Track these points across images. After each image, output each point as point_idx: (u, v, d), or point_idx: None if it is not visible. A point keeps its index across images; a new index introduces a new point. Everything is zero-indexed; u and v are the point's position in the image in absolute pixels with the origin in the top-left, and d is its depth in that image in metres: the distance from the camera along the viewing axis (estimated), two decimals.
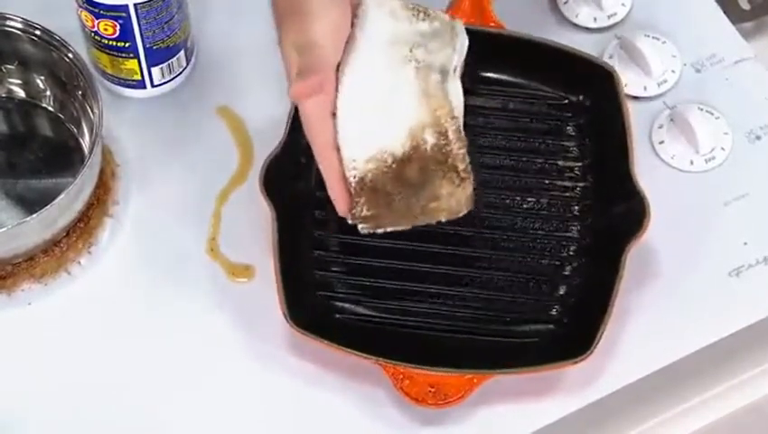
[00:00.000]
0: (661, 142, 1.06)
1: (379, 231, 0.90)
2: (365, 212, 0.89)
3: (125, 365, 0.96)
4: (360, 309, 0.97)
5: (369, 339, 0.94)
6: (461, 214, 0.90)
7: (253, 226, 1.00)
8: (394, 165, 0.88)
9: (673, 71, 1.08)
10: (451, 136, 0.88)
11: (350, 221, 0.90)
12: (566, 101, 1.04)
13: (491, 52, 1.00)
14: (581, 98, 1.04)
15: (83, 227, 1.00)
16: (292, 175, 0.99)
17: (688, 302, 0.99)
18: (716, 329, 0.98)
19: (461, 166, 0.89)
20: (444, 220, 0.90)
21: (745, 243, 1.02)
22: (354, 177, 0.88)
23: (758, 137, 1.06)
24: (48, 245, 0.99)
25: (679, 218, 1.02)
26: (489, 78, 1.05)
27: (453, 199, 0.89)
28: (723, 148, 1.05)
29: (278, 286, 0.93)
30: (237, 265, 1.00)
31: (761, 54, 1.11)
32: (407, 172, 0.88)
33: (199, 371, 0.96)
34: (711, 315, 0.99)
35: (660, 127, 1.06)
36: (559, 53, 1.03)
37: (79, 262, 1.00)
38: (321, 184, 1.00)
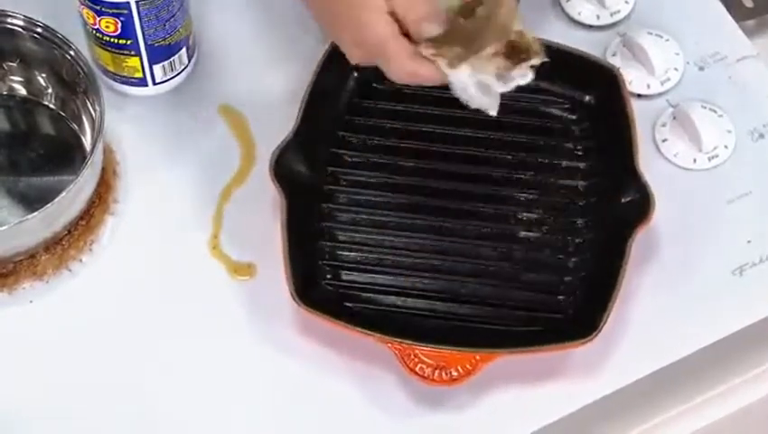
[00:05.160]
0: (664, 140, 1.05)
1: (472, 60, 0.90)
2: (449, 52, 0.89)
3: (126, 363, 0.96)
4: (369, 297, 0.98)
5: (378, 325, 0.94)
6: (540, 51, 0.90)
7: (255, 224, 1.00)
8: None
9: (676, 69, 1.08)
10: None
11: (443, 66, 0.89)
12: (571, 103, 1.05)
13: None
14: (586, 99, 1.05)
15: (85, 225, 1.00)
16: (302, 164, 0.99)
17: (692, 300, 0.99)
18: (719, 328, 0.98)
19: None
20: (536, 61, 0.90)
21: (749, 241, 1.01)
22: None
23: (761, 135, 1.06)
24: (49, 243, 0.99)
25: (681, 216, 1.02)
26: None
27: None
28: (726, 146, 1.05)
29: (286, 268, 0.93)
30: (239, 263, 1.00)
31: (764, 52, 1.11)
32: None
33: (200, 368, 0.96)
34: (714, 313, 0.98)
35: (663, 125, 1.06)
36: (564, 55, 1.04)
37: (81, 260, 1.00)
38: (329, 174, 1.01)
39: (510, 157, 1.03)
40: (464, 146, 1.04)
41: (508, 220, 1.01)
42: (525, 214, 1.01)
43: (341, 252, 0.99)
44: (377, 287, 0.98)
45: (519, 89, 0.99)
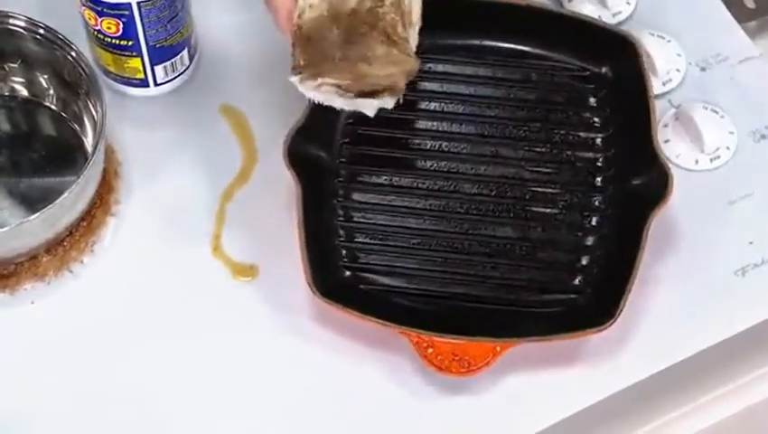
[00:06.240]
0: (666, 141, 1.05)
1: (319, 83, 0.90)
2: (301, 61, 0.90)
3: (128, 364, 0.96)
4: (384, 279, 0.97)
5: (394, 309, 0.94)
6: (398, 91, 0.91)
7: (258, 225, 1.00)
8: (330, 15, 0.90)
9: (678, 70, 1.08)
10: (387, 2, 0.90)
11: (292, 78, 0.91)
12: (588, 73, 1.04)
13: (513, 24, 1.00)
14: (603, 69, 1.04)
15: (86, 226, 1.00)
16: (314, 146, 0.99)
17: (694, 301, 0.99)
18: (721, 329, 0.98)
19: (394, 35, 0.90)
20: (386, 102, 0.91)
21: (751, 242, 1.01)
22: (295, 24, 0.90)
23: (763, 136, 1.06)
24: (51, 244, 0.99)
25: (683, 217, 1.01)
26: (511, 49, 1.05)
27: (387, 67, 0.90)
28: (728, 147, 1.05)
29: (303, 255, 0.93)
30: (241, 264, 0.99)
31: (766, 53, 1.10)
32: (341, 24, 0.90)
33: (201, 370, 0.96)
34: (717, 314, 0.98)
35: (665, 126, 1.06)
36: (581, 24, 1.03)
37: (82, 261, 1.00)
38: (344, 152, 1.01)
39: (525, 130, 1.03)
40: (479, 119, 1.03)
41: (524, 196, 1.00)
42: (541, 189, 1.00)
43: (356, 234, 0.99)
44: (393, 269, 0.98)
45: (533, 58, 0.98)
